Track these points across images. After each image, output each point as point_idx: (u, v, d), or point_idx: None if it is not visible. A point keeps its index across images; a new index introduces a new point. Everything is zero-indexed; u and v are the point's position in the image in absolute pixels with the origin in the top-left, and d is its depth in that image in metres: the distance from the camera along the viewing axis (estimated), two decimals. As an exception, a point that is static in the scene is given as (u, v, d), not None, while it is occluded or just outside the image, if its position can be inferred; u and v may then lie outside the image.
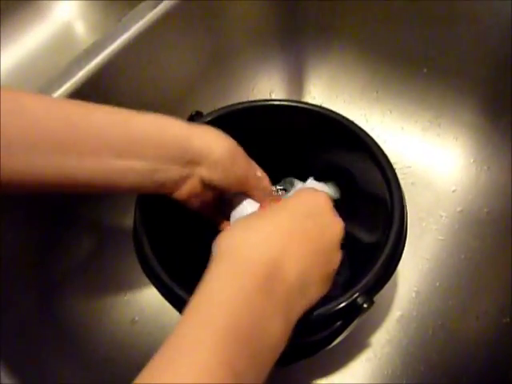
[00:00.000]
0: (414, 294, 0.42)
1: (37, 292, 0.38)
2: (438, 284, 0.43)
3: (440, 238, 0.45)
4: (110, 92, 0.41)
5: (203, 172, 0.30)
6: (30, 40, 0.69)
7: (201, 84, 0.50)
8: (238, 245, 0.24)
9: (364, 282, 0.28)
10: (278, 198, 0.36)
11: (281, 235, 0.25)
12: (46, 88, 0.37)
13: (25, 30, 0.69)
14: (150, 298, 0.42)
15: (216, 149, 0.29)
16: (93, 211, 0.42)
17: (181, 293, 0.28)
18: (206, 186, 0.31)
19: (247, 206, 0.33)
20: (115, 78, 0.40)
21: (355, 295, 0.28)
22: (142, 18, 0.41)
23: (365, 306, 0.27)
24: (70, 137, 0.25)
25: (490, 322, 0.38)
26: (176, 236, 0.36)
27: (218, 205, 0.35)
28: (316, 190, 0.30)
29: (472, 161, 0.48)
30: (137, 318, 0.42)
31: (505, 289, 0.39)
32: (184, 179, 0.30)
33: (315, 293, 0.26)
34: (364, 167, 0.37)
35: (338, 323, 0.29)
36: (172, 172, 0.28)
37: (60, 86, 0.37)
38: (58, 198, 0.38)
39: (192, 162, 0.29)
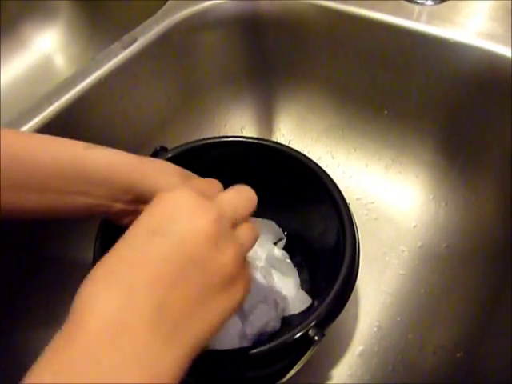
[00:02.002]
0: (375, 329, 0.43)
1: None
2: (399, 319, 0.44)
3: (401, 272, 0.46)
4: (81, 127, 0.41)
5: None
6: (10, 70, 0.70)
7: (173, 120, 0.51)
8: (84, 307, 0.20)
9: (315, 314, 0.29)
10: None
11: (123, 274, 0.20)
12: (16, 121, 0.38)
13: (5, 59, 0.70)
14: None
15: (162, 189, 0.28)
16: (56, 244, 0.42)
17: None
18: None
19: None
20: (86, 114, 0.41)
21: (307, 328, 0.28)
22: (115, 56, 0.43)
23: (316, 338, 0.28)
24: (26, 173, 0.27)
25: (445, 357, 0.39)
26: None
27: None
28: (169, 192, 0.24)
29: (431, 197, 0.50)
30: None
31: (460, 323, 0.41)
32: (127, 213, 0.30)
33: (215, 304, 0.22)
34: (318, 201, 0.38)
35: (290, 356, 0.30)
36: (115, 208, 0.30)
37: (29, 120, 0.38)
38: (22, 230, 0.38)
39: (136, 200, 0.30)
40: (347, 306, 0.44)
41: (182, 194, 0.23)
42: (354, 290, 0.45)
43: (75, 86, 0.40)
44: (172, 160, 0.38)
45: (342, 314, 0.44)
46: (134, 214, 0.30)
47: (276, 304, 0.39)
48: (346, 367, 0.41)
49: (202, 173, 0.40)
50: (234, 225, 0.25)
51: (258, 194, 0.43)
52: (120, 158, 0.30)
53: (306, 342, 0.28)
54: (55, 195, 0.28)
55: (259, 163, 0.41)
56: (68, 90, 0.39)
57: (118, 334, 0.18)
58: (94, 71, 0.41)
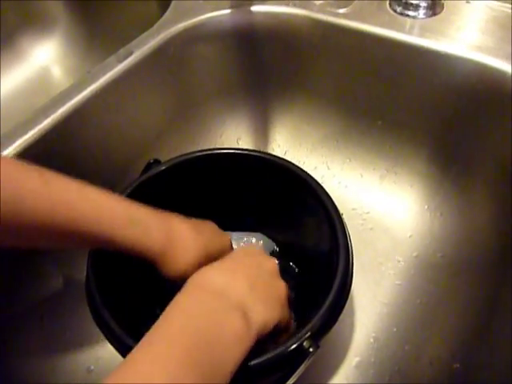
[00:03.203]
0: (372, 340, 0.43)
1: None
2: (395, 329, 0.43)
3: (397, 282, 0.46)
4: (77, 139, 0.42)
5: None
6: (8, 82, 0.71)
7: (169, 132, 0.51)
8: (199, 278, 0.30)
9: (309, 326, 0.29)
10: None
11: (230, 266, 0.32)
12: (12, 133, 0.38)
13: (3, 71, 0.71)
14: (105, 347, 0.41)
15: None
16: (51, 260, 0.42)
17: (130, 342, 0.28)
18: None
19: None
20: (82, 126, 0.42)
21: (301, 340, 0.28)
22: (111, 69, 0.43)
23: (311, 350, 0.28)
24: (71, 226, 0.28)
25: (442, 368, 0.39)
26: (128, 286, 0.36)
27: None
28: (251, 247, 0.39)
29: (426, 207, 0.50)
30: (92, 367, 0.41)
31: (456, 333, 0.40)
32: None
33: (270, 305, 0.30)
34: (310, 211, 0.38)
35: (285, 368, 0.30)
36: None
37: (25, 133, 0.38)
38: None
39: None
40: (343, 316, 0.44)
41: (258, 250, 0.37)
42: (349, 301, 0.45)
43: (71, 98, 0.40)
44: (165, 172, 0.38)
45: (338, 325, 0.44)
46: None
47: None
48: (342, 378, 0.41)
49: (196, 184, 0.40)
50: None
51: (250, 204, 0.43)
52: (153, 240, 0.31)
53: (301, 354, 0.28)
54: (40, 241, 0.29)
55: (252, 174, 0.41)
56: (64, 103, 0.39)
57: (223, 296, 0.28)
58: (89, 84, 0.41)
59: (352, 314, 0.45)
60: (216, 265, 0.32)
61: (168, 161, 0.39)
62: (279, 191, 0.41)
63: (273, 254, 0.46)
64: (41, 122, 0.38)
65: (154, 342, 0.24)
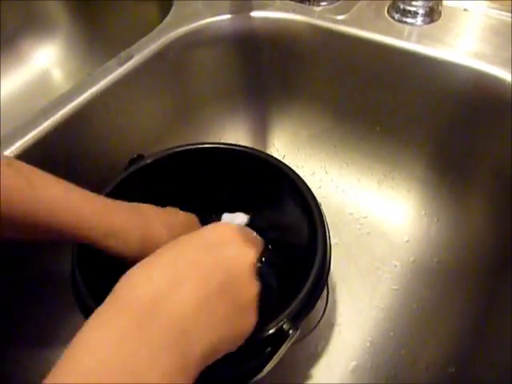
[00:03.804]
0: (368, 344, 0.43)
1: None
2: (391, 334, 0.44)
3: (394, 287, 0.47)
4: (76, 141, 0.42)
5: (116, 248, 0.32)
6: (9, 84, 0.71)
7: (168, 135, 0.52)
8: (125, 286, 0.22)
9: (289, 309, 0.30)
10: None
11: (174, 267, 0.23)
12: (12, 136, 0.38)
13: (4, 74, 0.71)
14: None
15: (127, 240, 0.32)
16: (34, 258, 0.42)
17: None
18: None
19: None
20: (82, 129, 0.42)
21: (281, 323, 0.29)
22: (111, 72, 0.43)
23: (290, 332, 0.29)
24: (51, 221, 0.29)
25: (437, 373, 0.39)
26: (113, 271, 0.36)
27: None
28: (223, 223, 0.31)
29: (423, 213, 0.50)
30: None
31: (451, 338, 0.41)
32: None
33: (226, 325, 0.24)
34: (289, 201, 0.39)
35: (265, 351, 0.30)
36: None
37: (25, 134, 0.38)
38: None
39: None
40: (339, 319, 0.45)
41: (237, 228, 0.28)
42: (346, 305, 0.46)
43: (71, 101, 0.40)
44: (149, 167, 0.39)
45: (335, 328, 0.44)
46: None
47: None
48: (339, 381, 0.41)
49: (180, 179, 0.41)
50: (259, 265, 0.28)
51: (233, 195, 0.44)
52: (86, 219, 0.30)
53: (281, 337, 0.29)
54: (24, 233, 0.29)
55: (233, 168, 0.42)
56: (64, 105, 0.40)
57: (155, 317, 0.20)
58: (90, 87, 0.42)
59: (348, 317, 0.45)
60: (153, 259, 0.24)
61: (151, 155, 0.40)
62: (260, 183, 0.42)
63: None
64: (41, 124, 0.38)
65: None
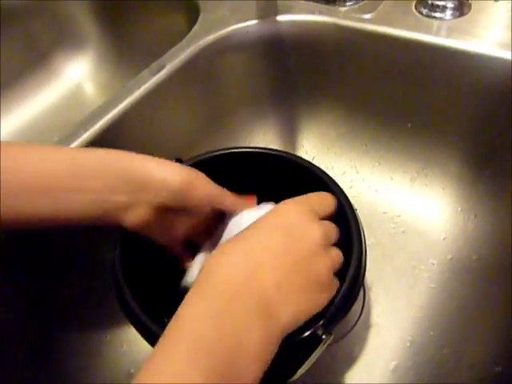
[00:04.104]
0: (408, 344, 0.43)
1: (30, 346, 0.39)
2: (432, 333, 0.43)
3: (432, 285, 0.46)
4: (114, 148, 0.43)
5: (151, 198, 0.31)
6: (44, 99, 0.74)
7: (200, 141, 0.53)
8: (214, 269, 0.26)
9: (324, 314, 0.30)
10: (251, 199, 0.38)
11: (253, 253, 0.26)
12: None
13: (40, 89, 0.74)
14: (146, 350, 0.43)
15: (171, 178, 0.31)
16: (81, 253, 0.43)
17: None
18: (160, 211, 0.32)
19: (245, 215, 0.36)
20: (119, 139, 0.43)
21: (314, 327, 0.29)
22: (144, 82, 0.45)
23: (324, 337, 0.29)
24: (19, 180, 0.28)
25: (482, 371, 0.38)
26: (157, 279, 0.38)
27: (186, 241, 0.37)
28: (286, 204, 0.31)
29: (459, 209, 0.50)
30: (132, 371, 0.42)
31: (496, 336, 0.40)
32: (131, 207, 0.31)
33: (304, 299, 0.27)
34: None
35: (299, 355, 0.30)
36: (116, 201, 0.30)
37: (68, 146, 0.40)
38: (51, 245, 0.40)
39: (138, 190, 0.30)
40: (377, 319, 0.45)
41: (300, 208, 0.30)
42: (384, 305, 0.45)
43: (108, 112, 0.42)
44: None
45: (373, 329, 0.44)
46: (137, 206, 0.31)
47: None
48: (380, 382, 0.41)
49: (216, 182, 0.41)
50: (330, 244, 0.30)
51: (267, 200, 0.44)
52: (117, 153, 0.31)
53: (315, 341, 0.29)
54: (58, 196, 0.29)
55: (268, 172, 0.42)
56: (102, 117, 0.41)
57: (243, 297, 0.24)
58: (125, 98, 0.43)
59: (386, 317, 0.45)
60: (235, 245, 0.27)
61: (189, 159, 0.41)
62: (295, 186, 0.42)
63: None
64: (81, 136, 0.40)
65: (167, 358, 0.22)
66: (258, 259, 0.26)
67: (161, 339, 0.23)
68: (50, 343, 0.40)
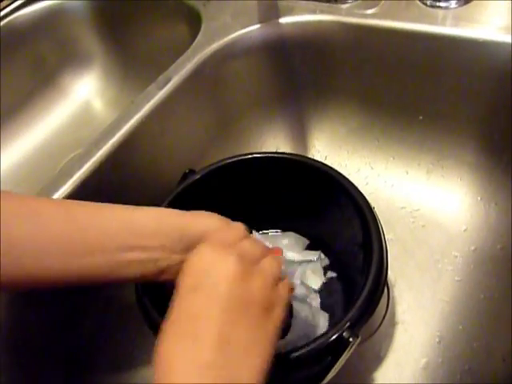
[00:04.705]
0: (437, 339, 0.42)
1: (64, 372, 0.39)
2: (460, 327, 0.42)
3: (457, 278, 0.45)
4: (128, 167, 0.44)
5: None
6: (54, 118, 0.75)
7: (211, 149, 0.53)
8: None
9: (348, 317, 0.30)
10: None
11: (184, 336, 0.24)
12: (69, 169, 0.40)
13: (49, 108, 0.75)
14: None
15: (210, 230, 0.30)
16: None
17: None
18: None
19: None
20: (131, 154, 0.44)
21: (341, 331, 0.29)
22: (152, 97, 0.45)
23: (351, 340, 0.29)
24: (76, 237, 0.28)
25: (516, 364, 0.37)
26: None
27: None
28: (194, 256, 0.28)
29: (479, 199, 0.49)
30: None
31: (527, 327, 0.39)
32: (179, 265, 0.30)
33: (251, 366, 0.24)
34: (341, 207, 0.39)
35: (326, 359, 0.30)
36: (172, 259, 0.30)
37: (81, 167, 0.40)
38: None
39: (190, 247, 0.29)
40: (403, 316, 0.44)
41: (205, 249, 0.27)
42: (409, 301, 0.45)
43: (119, 129, 0.42)
44: (200, 181, 0.41)
45: (399, 326, 0.44)
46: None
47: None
48: (411, 380, 0.40)
49: (230, 190, 0.41)
50: (256, 260, 0.28)
51: (282, 204, 0.44)
52: (166, 210, 0.32)
53: (341, 345, 0.29)
54: (116, 254, 0.28)
55: (281, 176, 0.42)
56: (114, 134, 0.42)
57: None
58: (134, 114, 0.43)
59: (413, 314, 0.44)
60: (169, 329, 0.25)
61: (202, 169, 0.41)
62: (308, 188, 0.42)
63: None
64: (94, 155, 0.40)
65: None
66: (194, 333, 0.24)
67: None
68: (79, 362, 0.41)
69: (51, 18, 0.71)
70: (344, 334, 0.29)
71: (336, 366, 0.30)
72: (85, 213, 0.29)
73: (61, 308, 0.40)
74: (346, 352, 0.29)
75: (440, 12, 0.45)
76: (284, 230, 0.47)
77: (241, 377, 0.23)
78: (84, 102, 0.78)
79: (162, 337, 0.24)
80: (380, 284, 0.33)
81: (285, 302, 0.28)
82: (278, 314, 0.27)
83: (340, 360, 0.30)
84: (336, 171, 0.40)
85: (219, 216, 0.33)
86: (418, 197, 0.52)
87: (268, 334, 0.25)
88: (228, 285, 0.25)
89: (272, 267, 0.28)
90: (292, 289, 0.31)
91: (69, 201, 0.32)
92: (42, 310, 0.38)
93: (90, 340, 0.43)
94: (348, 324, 0.30)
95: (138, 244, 0.29)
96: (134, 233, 0.29)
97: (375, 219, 0.36)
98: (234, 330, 0.24)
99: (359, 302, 0.31)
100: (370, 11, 0.47)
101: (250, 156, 0.43)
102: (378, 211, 0.37)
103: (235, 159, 0.42)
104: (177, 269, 0.29)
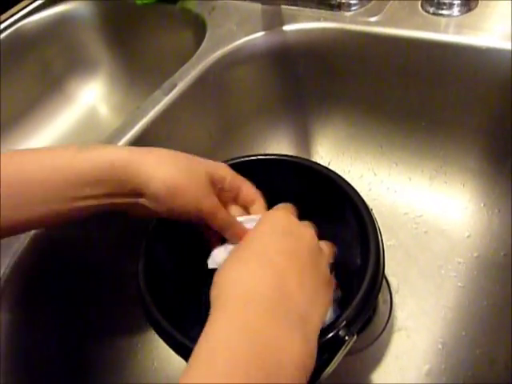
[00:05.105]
0: (440, 346, 0.42)
1: (65, 363, 0.39)
2: (463, 333, 0.42)
3: (460, 284, 0.45)
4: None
5: (146, 203, 0.30)
6: (60, 124, 0.76)
7: (215, 155, 0.52)
8: (235, 279, 0.25)
9: (344, 315, 0.30)
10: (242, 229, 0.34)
11: (268, 258, 0.26)
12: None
13: (55, 115, 0.76)
14: (176, 366, 0.43)
15: (152, 182, 0.29)
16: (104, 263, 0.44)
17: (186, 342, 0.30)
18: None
19: (221, 250, 0.34)
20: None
21: (337, 329, 0.29)
22: (158, 102, 0.46)
23: (346, 338, 0.29)
24: (19, 191, 0.28)
25: (520, 371, 0.37)
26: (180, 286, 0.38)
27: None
28: (273, 211, 0.31)
29: (482, 205, 0.49)
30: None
31: (531, 334, 0.39)
32: (134, 205, 0.31)
33: (323, 296, 0.27)
34: (338, 207, 0.39)
35: (322, 357, 0.30)
36: (115, 203, 0.30)
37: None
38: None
39: (134, 193, 0.30)
40: (406, 323, 0.44)
41: (286, 212, 0.30)
42: (412, 307, 0.45)
43: (125, 134, 0.43)
44: None
45: (402, 332, 0.44)
46: (135, 206, 0.31)
47: None
48: (414, 388, 0.40)
49: None
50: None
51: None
52: (113, 154, 0.30)
53: (337, 343, 0.29)
54: (56, 205, 0.28)
55: (283, 178, 0.42)
56: (119, 139, 0.42)
57: (273, 309, 0.23)
58: (140, 119, 0.44)
59: (416, 320, 0.44)
60: (247, 251, 0.26)
61: None
62: (308, 191, 0.42)
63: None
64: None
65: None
66: (276, 264, 0.25)
67: (193, 358, 0.21)
68: (83, 362, 0.41)
69: (58, 24, 0.72)
70: (340, 332, 0.29)
71: (332, 364, 0.30)
72: (26, 163, 0.29)
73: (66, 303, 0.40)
74: (341, 350, 0.29)
75: (443, 20, 0.46)
76: None
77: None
78: (90, 107, 0.79)
79: (226, 265, 0.26)
80: (377, 283, 0.33)
81: (330, 256, 0.31)
82: (331, 292, 0.29)
83: (335, 358, 0.29)
84: (336, 173, 0.40)
85: (171, 164, 0.32)
86: (421, 203, 0.52)
87: (323, 302, 0.27)
88: (311, 245, 0.28)
89: (330, 253, 0.31)
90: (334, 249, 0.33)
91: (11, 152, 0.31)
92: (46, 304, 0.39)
93: (91, 336, 0.43)
94: (344, 323, 0.30)
95: (83, 194, 0.29)
96: (79, 184, 0.29)
97: (372, 220, 0.36)
98: (305, 282, 0.26)
99: (356, 301, 0.31)
100: (373, 19, 0.48)
101: (253, 158, 0.43)
102: (381, 217, 0.37)
103: (238, 161, 0.43)
104: (127, 208, 0.31)
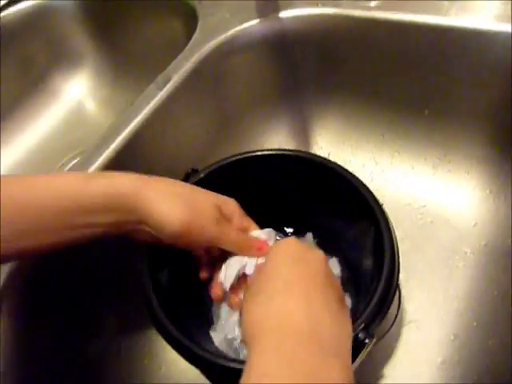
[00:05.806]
0: (452, 337, 0.41)
1: (68, 364, 0.38)
2: (475, 324, 0.42)
3: (469, 274, 0.45)
4: (131, 168, 0.42)
5: (153, 231, 0.31)
6: (46, 120, 0.73)
7: (212, 149, 0.51)
8: (267, 320, 0.24)
9: (363, 318, 0.30)
10: (260, 244, 0.35)
11: (293, 288, 0.26)
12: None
13: (41, 111, 0.73)
14: (184, 371, 0.42)
15: (163, 222, 0.30)
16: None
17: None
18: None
19: (233, 264, 0.34)
20: (132, 158, 0.42)
21: (356, 332, 0.29)
22: (152, 98, 0.44)
23: (367, 340, 0.28)
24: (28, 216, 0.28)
25: (536, 360, 0.37)
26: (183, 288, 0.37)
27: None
28: (285, 239, 0.31)
29: (488, 192, 0.48)
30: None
31: (545, 323, 0.38)
32: (139, 231, 0.31)
33: (344, 315, 0.27)
34: (351, 204, 0.38)
35: None
36: (121, 230, 0.31)
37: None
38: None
39: (140, 222, 0.31)
40: (416, 315, 0.43)
41: (293, 241, 0.30)
42: (422, 299, 0.44)
43: (120, 133, 0.41)
44: (204, 180, 0.39)
45: (412, 325, 0.43)
46: (140, 232, 0.31)
47: None
48: (427, 380, 0.40)
49: (233, 188, 0.40)
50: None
51: (288, 202, 0.43)
52: (121, 184, 0.31)
53: (357, 346, 0.28)
54: (63, 232, 0.29)
55: (284, 173, 0.41)
56: (114, 139, 0.40)
57: (309, 341, 0.23)
58: (134, 116, 0.42)
59: (425, 312, 0.44)
60: (268, 288, 0.26)
61: (205, 169, 0.40)
62: (313, 185, 0.41)
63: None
64: (96, 160, 0.39)
65: None
66: (300, 292, 0.25)
67: None
68: (87, 364, 0.40)
69: (39, 16, 0.68)
70: (359, 335, 0.29)
71: (351, 368, 0.29)
72: (39, 190, 0.29)
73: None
74: (361, 353, 0.29)
75: (444, 3, 0.44)
76: (289, 227, 0.46)
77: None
78: (76, 102, 0.76)
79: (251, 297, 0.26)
80: (392, 283, 0.32)
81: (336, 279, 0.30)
82: (339, 284, 0.29)
83: (356, 362, 0.29)
84: (342, 167, 0.39)
85: (183, 190, 0.33)
86: (424, 192, 0.51)
87: (346, 318, 0.27)
88: (324, 269, 0.28)
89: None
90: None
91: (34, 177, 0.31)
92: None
93: (97, 340, 0.41)
94: (363, 325, 0.29)
95: (90, 222, 0.30)
96: (86, 212, 0.29)
97: (386, 219, 0.35)
98: (327, 302, 0.26)
99: (373, 302, 0.31)
100: (373, 3, 0.46)
101: (253, 154, 0.42)
102: (384, 207, 0.36)
103: (238, 157, 0.42)
104: (129, 233, 0.32)
